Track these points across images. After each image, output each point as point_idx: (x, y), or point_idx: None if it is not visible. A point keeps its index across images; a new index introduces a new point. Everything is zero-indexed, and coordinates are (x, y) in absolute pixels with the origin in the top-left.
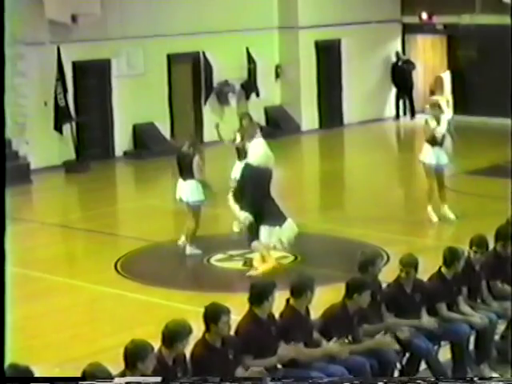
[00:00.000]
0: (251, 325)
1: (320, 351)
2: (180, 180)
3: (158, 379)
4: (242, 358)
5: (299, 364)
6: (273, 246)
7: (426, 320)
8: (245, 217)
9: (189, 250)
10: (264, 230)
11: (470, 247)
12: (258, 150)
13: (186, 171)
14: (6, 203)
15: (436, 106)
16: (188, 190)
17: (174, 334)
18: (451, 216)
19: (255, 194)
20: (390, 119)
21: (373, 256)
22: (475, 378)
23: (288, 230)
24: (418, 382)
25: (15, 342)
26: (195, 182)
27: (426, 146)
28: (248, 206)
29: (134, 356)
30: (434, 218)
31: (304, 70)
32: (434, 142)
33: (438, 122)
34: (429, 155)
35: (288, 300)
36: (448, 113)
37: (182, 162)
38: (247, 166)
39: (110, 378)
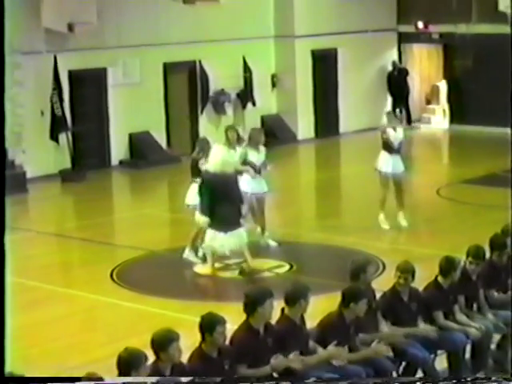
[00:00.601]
0: (244, 335)
1: (316, 358)
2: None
3: (154, 379)
4: (237, 367)
5: (295, 373)
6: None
7: (425, 327)
8: (203, 220)
9: (186, 253)
10: (209, 233)
11: (467, 257)
12: (216, 157)
13: (193, 175)
14: (5, 213)
15: (391, 115)
16: (192, 194)
17: (157, 343)
18: (404, 223)
19: (211, 199)
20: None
21: (364, 263)
22: (468, 378)
23: (234, 237)
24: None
25: (11, 351)
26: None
27: (384, 154)
28: (204, 210)
29: (128, 364)
30: (386, 226)
31: (300, 79)
32: (391, 149)
33: (395, 130)
34: (385, 164)
35: (283, 309)
36: (444, 122)
37: (192, 166)
38: (206, 172)
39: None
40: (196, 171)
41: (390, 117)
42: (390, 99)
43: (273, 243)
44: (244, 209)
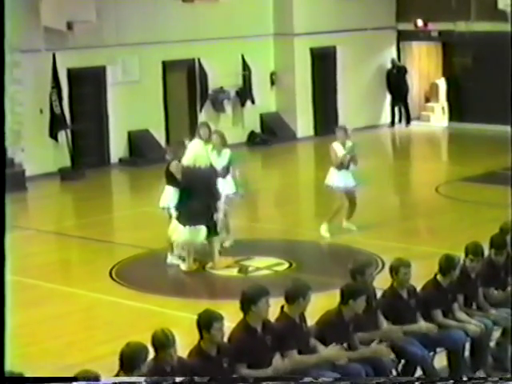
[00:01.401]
0: (241, 333)
1: (316, 357)
2: None
3: (142, 379)
4: (236, 366)
5: (294, 372)
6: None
7: (425, 325)
8: (176, 214)
9: (169, 258)
10: (172, 224)
11: (466, 255)
12: (189, 152)
13: (165, 178)
14: (5, 211)
15: (342, 130)
16: (166, 196)
17: (156, 343)
18: (353, 228)
19: (181, 192)
20: (385, 126)
21: (362, 265)
22: (464, 378)
23: (191, 234)
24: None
25: (11, 349)
26: (169, 188)
27: (332, 170)
28: (177, 203)
29: (131, 359)
30: (326, 235)
31: (299, 77)
32: (340, 165)
33: (344, 146)
34: (336, 179)
35: (282, 307)
36: (443, 120)
37: (165, 169)
38: (182, 167)
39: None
40: (165, 173)
41: (340, 132)
42: (389, 97)
43: (227, 244)
44: (218, 205)
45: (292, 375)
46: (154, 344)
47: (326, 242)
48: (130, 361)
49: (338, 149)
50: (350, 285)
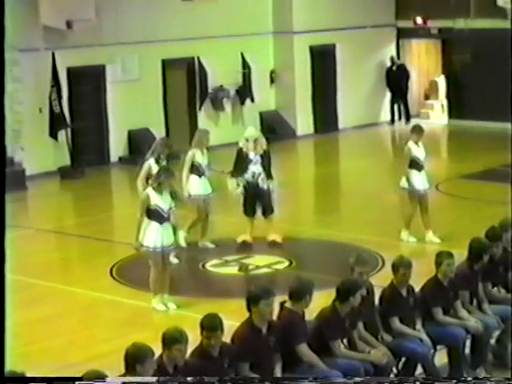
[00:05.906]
0: (245, 332)
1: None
2: None
3: (154, 379)
4: (238, 365)
5: (296, 371)
6: None
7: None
8: None
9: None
10: None
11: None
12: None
13: (188, 169)
14: (5, 210)
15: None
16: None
17: (169, 341)
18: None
19: None
20: (384, 124)
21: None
22: (469, 379)
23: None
24: (411, 381)
25: (11, 348)
26: (194, 177)
27: (409, 171)
28: None
29: (134, 359)
30: (411, 239)
31: (299, 75)
32: (415, 166)
33: (202, 153)
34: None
35: (282, 304)
36: (443, 117)
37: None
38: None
39: (104, 378)
40: (191, 165)
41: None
42: (388, 95)
43: (210, 245)
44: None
45: (292, 375)
46: (164, 340)
47: (326, 239)
48: (132, 360)
49: (413, 148)
50: (345, 281)
